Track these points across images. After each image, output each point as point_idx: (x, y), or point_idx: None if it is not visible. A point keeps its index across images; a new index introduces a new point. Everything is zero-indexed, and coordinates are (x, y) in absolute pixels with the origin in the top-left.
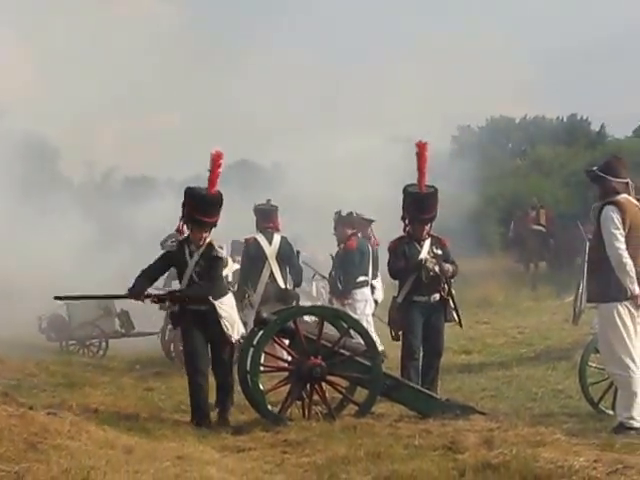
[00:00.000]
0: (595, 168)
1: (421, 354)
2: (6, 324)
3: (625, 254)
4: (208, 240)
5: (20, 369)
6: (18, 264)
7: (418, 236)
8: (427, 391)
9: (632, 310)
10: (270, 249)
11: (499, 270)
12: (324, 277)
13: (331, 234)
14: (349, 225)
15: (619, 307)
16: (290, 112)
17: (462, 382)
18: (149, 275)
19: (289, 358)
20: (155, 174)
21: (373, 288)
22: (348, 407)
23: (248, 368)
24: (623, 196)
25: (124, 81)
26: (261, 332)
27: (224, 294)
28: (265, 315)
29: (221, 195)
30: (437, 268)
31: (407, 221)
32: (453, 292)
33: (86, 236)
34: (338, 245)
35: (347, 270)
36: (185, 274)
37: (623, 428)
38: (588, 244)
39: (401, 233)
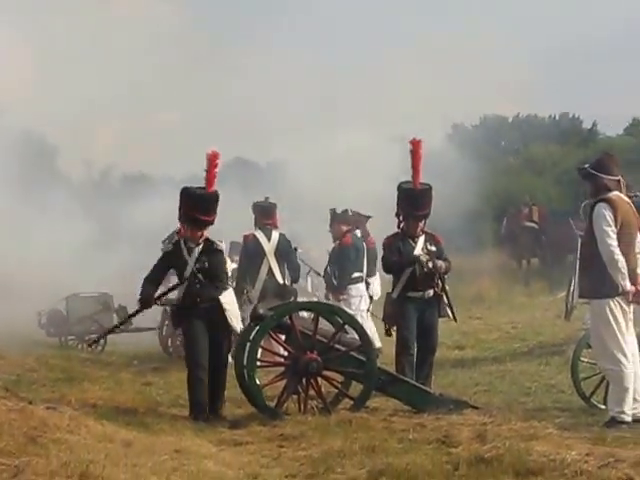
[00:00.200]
0: (587, 166)
1: (415, 349)
2: (6, 320)
3: (617, 251)
4: (205, 237)
5: (20, 364)
6: (17, 261)
7: (412, 233)
8: (421, 386)
9: (624, 306)
10: (269, 245)
11: (492, 266)
12: (318, 274)
13: (326, 231)
14: (344, 222)
15: (611, 303)
16: (287, 111)
17: (456, 377)
18: (152, 279)
19: (285, 353)
20: (153, 172)
21: (368, 284)
22: (343, 401)
23: (245, 363)
24: (615, 193)
25: (123, 80)
26: (257, 328)
27: (226, 288)
28: (261, 311)
29: (218, 194)
30: (431, 264)
31: (401, 218)
32: (447, 288)
33: (85, 233)
34: (334, 242)
35: (342, 266)
36: (186, 272)
37: (614, 422)
38: (580, 241)
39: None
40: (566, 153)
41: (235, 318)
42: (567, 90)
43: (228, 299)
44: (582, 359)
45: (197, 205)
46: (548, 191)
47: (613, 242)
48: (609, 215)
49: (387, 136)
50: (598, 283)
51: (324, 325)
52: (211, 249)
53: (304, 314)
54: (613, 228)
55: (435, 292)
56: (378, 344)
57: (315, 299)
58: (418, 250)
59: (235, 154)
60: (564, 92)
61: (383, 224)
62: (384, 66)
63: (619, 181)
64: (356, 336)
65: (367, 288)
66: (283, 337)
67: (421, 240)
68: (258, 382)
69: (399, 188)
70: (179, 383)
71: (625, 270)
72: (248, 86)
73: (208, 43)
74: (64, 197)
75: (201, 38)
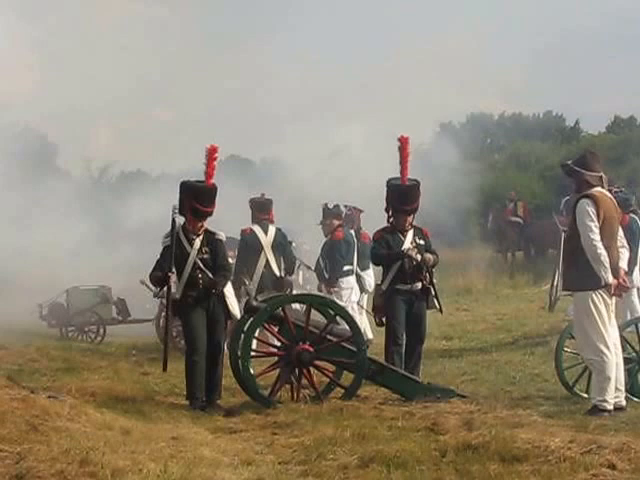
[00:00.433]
0: (570, 162)
1: (404, 340)
2: (8, 312)
3: (599, 245)
4: (205, 228)
5: (22, 354)
6: (19, 256)
7: (401, 227)
8: (410, 375)
9: (606, 298)
10: (266, 239)
11: (479, 260)
12: (309, 267)
13: (316, 225)
14: (336, 217)
15: (594, 295)
16: (281, 110)
17: (443, 367)
18: (157, 269)
19: (278, 344)
20: (150, 169)
21: (359, 277)
22: (335, 390)
23: (239, 353)
24: (597, 189)
25: (122, 80)
26: (251, 319)
27: (228, 277)
28: (255, 303)
29: (216, 186)
30: (419, 257)
31: (390, 212)
32: (435, 281)
33: (84, 228)
34: (325, 236)
35: (334, 260)
36: (188, 262)
37: (597, 410)
38: (564, 235)
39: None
40: (550, 150)
41: (234, 307)
42: (551, 89)
43: (228, 287)
44: (565, 349)
45: (197, 197)
46: (532, 187)
47: (596, 237)
48: (592, 210)
49: (378, 133)
50: (581, 276)
51: (316, 316)
52: (212, 239)
53: (296, 306)
54: (596, 223)
55: (423, 284)
56: (370, 336)
57: (306, 292)
58: (407, 244)
59: (230, 152)
60: (548, 91)
61: (373, 217)
62: (374, 66)
63: (601, 177)
64: (347, 327)
65: (362, 282)
66: (276, 328)
67: (410, 234)
68: (252, 372)
69: (388, 184)
70: (175, 373)
71: (607, 264)
72: (243, 85)
73: (203, 42)
74: (64, 194)
75: (196, 37)
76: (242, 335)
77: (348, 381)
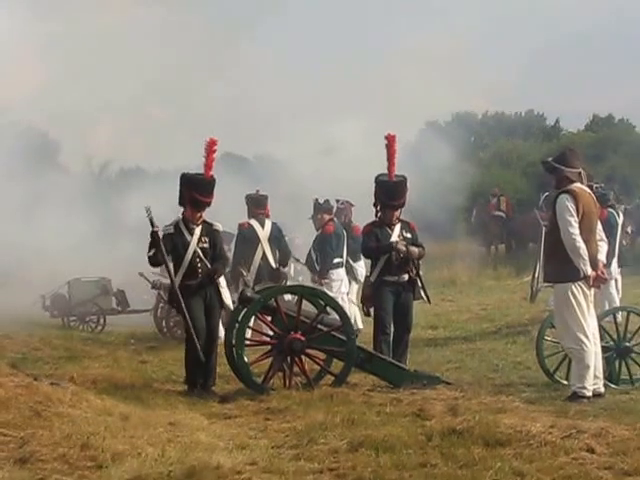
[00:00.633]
0: (551, 159)
1: (392, 329)
2: (12, 303)
3: (578, 239)
4: (203, 219)
5: (26, 344)
6: (23, 249)
7: (389, 221)
8: (397, 363)
9: (585, 290)
10: (263, 233)
11: (464, 253)
12: (298, 260)
13: (307, 219)
14: (326, 211)
15: (573, 287)
16: (275, 108)
17: (429, 355)
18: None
19: (271, 333)
20: (149, 166)
21: (350, 268)
22: (325, 378)
23: (234, 342)
24: (577, 185)
25: (121, 80)
26: (245, 310)
27: (225, 266)
28: (249, 294)
29: (215, 178)
30: (406, 250)
31: (379, 207)
32: (421, 273)
33: (85, 223)
34: (316, 230)
35: (324, 252)
36: (188, 251)
37: (576, 397)
38: (544, 229)
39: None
40: (531, 148)
41: (227, 297)
42: (532, 89)
43: (221, 279)
44: (546, 338)
45: (197, 188)
46: (515, 183)
47: (575, 231)
48: (571, 206)
49: (369, 131)
50: (562, 268)
51: (307, 307)
52: (210, 230)
53: (288, 297)
54: (575, 218)
55: (410, 276)
56: (360, 326)
57: (297, 283)
58: (394, 237)
59: (225, 149)
60: (530, 91)
61: (367, 213)
62: (365, 65)
63: (580, 173)
64: (337, 317)
65: (354, 272)
66: (269, 318)
67: (397, 228)
68: (246, 360)
69: (376, 180)
70: (173, 361)
71: (586, 256)
72: (240, 84)
73: (201, 41)
74: (66, 190)
75: (193, 36)
76: (236, 324)
77: (338, 369)
